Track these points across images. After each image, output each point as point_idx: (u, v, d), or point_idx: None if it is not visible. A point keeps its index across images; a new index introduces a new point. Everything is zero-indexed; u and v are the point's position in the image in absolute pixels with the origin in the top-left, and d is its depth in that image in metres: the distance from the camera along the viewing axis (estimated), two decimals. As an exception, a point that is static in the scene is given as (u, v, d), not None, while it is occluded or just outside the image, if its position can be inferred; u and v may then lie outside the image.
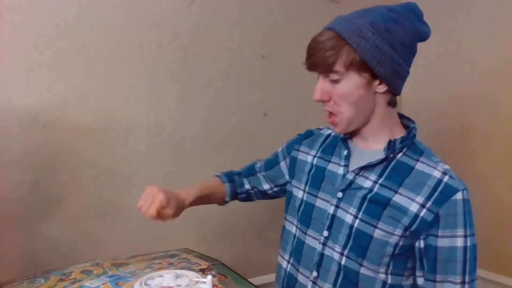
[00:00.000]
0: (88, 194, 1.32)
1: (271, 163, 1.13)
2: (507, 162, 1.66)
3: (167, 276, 0.79)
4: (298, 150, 1.05)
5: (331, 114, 0.87)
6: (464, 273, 0.81)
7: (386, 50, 0.80)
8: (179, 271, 0.84)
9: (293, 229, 0.99)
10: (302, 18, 1.76)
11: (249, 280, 0.97)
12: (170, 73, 1.47)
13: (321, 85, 0.85)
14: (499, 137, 1.68)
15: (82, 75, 1.31)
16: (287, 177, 1.07)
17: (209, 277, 0.78)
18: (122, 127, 1.38)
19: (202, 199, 1.03)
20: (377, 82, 0.83)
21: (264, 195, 1.15)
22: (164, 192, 0.87)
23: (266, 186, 1.13)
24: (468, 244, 0.81)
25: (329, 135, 1.03)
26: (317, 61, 0.82)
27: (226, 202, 1.13)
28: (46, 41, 1.24)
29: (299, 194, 0.99)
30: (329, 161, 0.95)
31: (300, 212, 0.97)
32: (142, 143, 1.42)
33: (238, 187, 1.14)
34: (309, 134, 1.08)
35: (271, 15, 1.68)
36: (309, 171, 0.98)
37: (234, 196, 1.14)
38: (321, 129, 1.07)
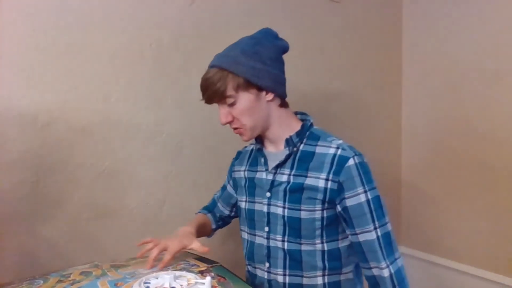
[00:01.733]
0: (88, 194, 1.32)
1: (223, 190, 1.33)
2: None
3: (166, 277, 0.79)
4: (234, 171, 1.25)
5: (235, 128, 1.06)
6: (373, 221, 0.98)
7: (260, 67, 1.00)
8: (178, 272, 0.84)
9: (246, 236, 1.17)
10: (302, 18, 1.76)
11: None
12: (170, 73, 1.46)
13: (222, 111, 1.04)
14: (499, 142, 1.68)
15: (82, 75, 1.30)
16: (235, 195, 1.26)
17: (208, 278, 0.78)
18: (122, 127, 1.38)
19: (199, 230, 1.19)
20: (264, 93, 1.02)
21: (230, 218, 1.33)
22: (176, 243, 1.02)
23: (226, 212, 1.31)
24: (370, 197, 0.98)
25: (252, 150, 1.21)
26: (211, 94, 1.01)
27: (214, 230, 1.31)
28: (46, 41, 1.24)
29: (242, 205, 1.16)
30: (256, 171, 1.14)
31: (247, 219, 1.15)
32: (142, 143, 1.42)
33: (215, 216, 1.32)
34: (238, 154, 1.28)
35: (271, 15, 1.67)
36: (245, 184, 1.16)
37: (216, 224, 1.32)
38: (246, 147, 1.27)
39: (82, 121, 1.31)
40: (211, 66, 1.03)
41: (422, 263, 2.00)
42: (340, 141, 1.04)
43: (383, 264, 0.98)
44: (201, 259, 1.08)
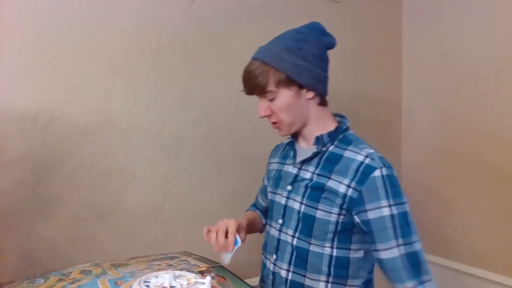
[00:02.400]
0: (88, 194, 1.32)
1: (262, 182, 1.33)
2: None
3: (166, 276, 0.79)
4: (269, 163, 1.26)
5: (274, 123, 1.05)
6: (396, 237, 0.92)
7: (302, 64, 0.98)
8: (178, 272, 0.84)
9: (266, 227, 1.18)
10: (302, 17, 1.75)
11: (248, 281, 0.97)
12: (170, 73, 1.46)
13: (262, 104, 1.03)
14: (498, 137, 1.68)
15: (82, 75, 1.31)
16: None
17: (208, 277, 0.78)
18: (122, 127, 1.38)
19: (250, 226, 1.16)
20: (304, 90, 1.01)
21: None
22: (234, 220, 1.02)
23: (264, 204, 1.30)
24: (394, 212, 0.92)
25: (287, 144, 1.20)
26: (252, 87, 1.00)
27: (264, 225, 1.28)
28: (46, 41, 1.24)
29: (269, 196, 1.17)
30: (285, 163, 1.14)
31: (269, 210, 1.16)
32: (142, 143, 1.42)
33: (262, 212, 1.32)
34: (275, 148, 1.28)
35: (271, 15, 1.67)
36: (273, 175, 1.17)
37: (265, 218, 1.29)
38: (282, 142, 1.26)
39: (82, 121, 1.31)
40: (254, 58, 1.02)
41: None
42: (372, 150, 1.00)
43: (409, 285, 0.91)
44: (201, 259, 1.08)
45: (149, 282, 0.78)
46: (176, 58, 1.47)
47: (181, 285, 0.77)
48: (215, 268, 0.98)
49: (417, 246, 0.94)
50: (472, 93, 1.78)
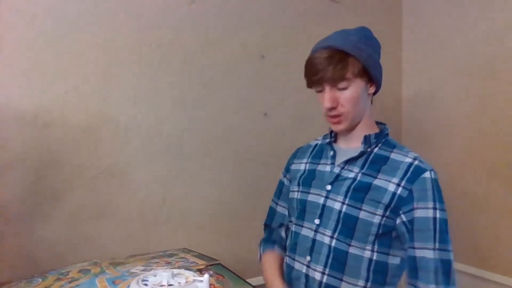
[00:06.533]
0: (88, 194, 1.32)
1: (279, 188, 1.27)
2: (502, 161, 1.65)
3: (163, 275, 0.79)
4: (291, 164, 1.22)
5: (335, 116, 1.01)
6: (435, 241, 0.93)
7: (375, 58, 1.01)
8: (176, 270, 0.83)
9: (292, 226, 1.12)
10: (302, 18, 1.76)
11: (247, 279, 0.96)
12: (170, 73, 1.46)
13: (330, 94, 0.99)
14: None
15: (82, 75, 1.31)
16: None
17: (206, 275, 0.77)
18: (122, 127, 1.38)
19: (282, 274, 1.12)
20: (369, 85, 1.02)
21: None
22: None
23: (286, 212, 1.22)
24: (438, 216, 0.94)
25: (316, 145, 1.19)
26: (327, 75, 0.96)
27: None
28: (46, 41, 1.25)
29: (294, 195, 1.13)
30: (318, 163, 1.11)
31: (297, 210, 1.11)
32: (142, 143, 1.42)
33: (282, 242, 1.23)
34: (297, 150, 1.25)
35: (271, 15, 1.68)
36: (301, 175, 1.14)
37: (284, 248, 1.21)
38: (309, 143, 1.24)
39: (82, 121, 1.31)
40: (327, 47, 0.98)
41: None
42: (417, 154, 1.02)
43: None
44: (200, 256, 1.08)
45: (147, 280, 0.78)
46: (176, 58, 1.47)
47: (179, 283, 0.76)
48: (214, 266, 0.98)
49: (451, 256, 0.95)
50: (472, 93, 1.77)
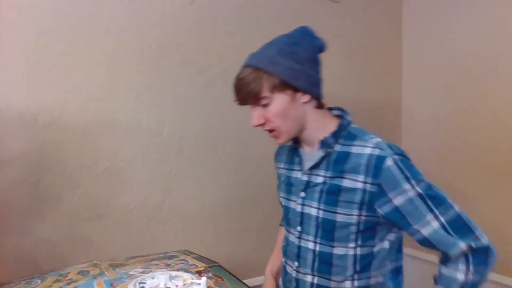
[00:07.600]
0: (88, 194, 1.33)
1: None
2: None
3: (161, 277, 0.79)
4: (277, 166, 1.22)
5: (270, 131, 1.01)
6: (431, 210, 0.92)
7: (297, 68, 0.96)
8: (174, 272, 0.84)
9: (285, 231, 1.15)
10: (302, 17, 1.75)
11: (247, 280, 0.97)
12: (170, 73, 1.46)
13: (256, 113, 1.00)
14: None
15: (82, 75, 1.31)
16: None
17: (204, 278, 0.78)
18: (122, 127, 1.38)
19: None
20: (299, 94, 0.98)
21: None
22: None
23: None
24: (419, 190, 0.92)
25: (289, 147, 1.16)
26: (245, 95, 0.97)
27: None
28: (46, 41, 1.25)
29: (282, 201, 1.15)
30: (292, 169, 1.11)
31: (285, 216, 1.14)
32: (142, 143, 1.42)
33: None
34: (278, 150, 1.23)
35: (271, 15, 1.67)
36: (284, 180, 1.14)
37: None
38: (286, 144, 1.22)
39: (82, 121, 1.31)
40: (246, 66, 0.99)
41: (424, 264, 1.99)
42: (379, 139, 0.99)
43: (464, 246, 0.90)
44: (200, 259, 1.08)
45: (144, 283, 0.78)
46: (176, 58, 1.47)
47: (176, 286, 0.77)
48: (213, 268, 0.98)
49: (455, 208, 0.93)
50: (472, 93, 1.77)
